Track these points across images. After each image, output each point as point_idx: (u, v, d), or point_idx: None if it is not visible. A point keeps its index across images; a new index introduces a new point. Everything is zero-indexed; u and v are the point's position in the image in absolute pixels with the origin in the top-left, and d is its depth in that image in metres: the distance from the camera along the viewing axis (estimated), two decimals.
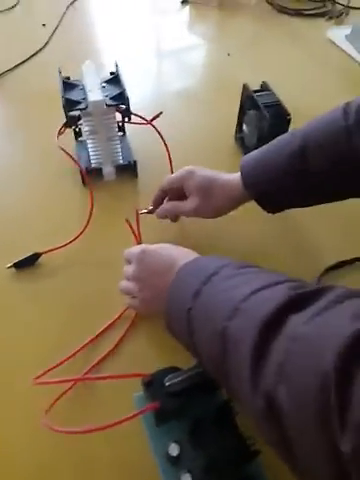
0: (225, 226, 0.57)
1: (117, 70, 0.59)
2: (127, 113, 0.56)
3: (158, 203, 0.55)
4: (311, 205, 0.48)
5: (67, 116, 0.55)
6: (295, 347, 0.25)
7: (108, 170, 0.63)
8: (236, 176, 0.49)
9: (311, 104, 0.70)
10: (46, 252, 0.52)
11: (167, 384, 0.36)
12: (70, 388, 0.40)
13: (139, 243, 0.53)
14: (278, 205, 0.49)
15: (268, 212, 0.50)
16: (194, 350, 0.34)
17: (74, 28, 1.07)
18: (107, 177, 0.64)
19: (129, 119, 0.57)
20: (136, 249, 0.45)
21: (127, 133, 0.70)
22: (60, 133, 0.59)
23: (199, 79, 0.93)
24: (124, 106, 0.56)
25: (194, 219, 0.54)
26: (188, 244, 0.44)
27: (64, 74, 0.59)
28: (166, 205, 0.54)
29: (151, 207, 0.55)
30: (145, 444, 0.37)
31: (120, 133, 0.68)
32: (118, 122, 0.60)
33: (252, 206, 0.49)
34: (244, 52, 0.99)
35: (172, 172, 0.61)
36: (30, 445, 0.38)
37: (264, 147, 0.48)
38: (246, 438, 0.35)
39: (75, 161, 0.56)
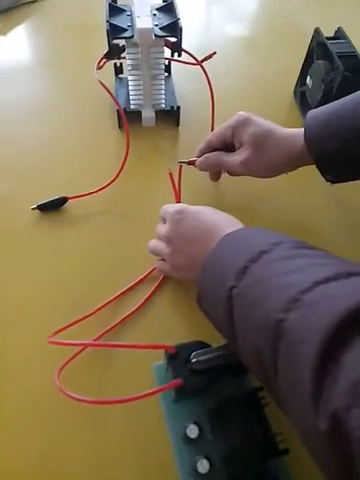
0: (268, 195, 0.50)
1: None
2: (178, 48, 0.49)
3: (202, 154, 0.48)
4: None
5: (110, 44, 0.48)
6: None
7: (148, 114, 0.57)
8: (299, 131, 0.42)
9: None
10: (73, 197, 0.48)
11: (193, 361, 0.32)
12: (82, 350, 0.37)
13: (178, 201, 0.48)
14: (343, 172, 0.42)
15: (328, 181, 0.43)
16: (231, 334, 0.29)
17: None
18: (146, 122, 0.57)
19: (179, 55, 0.50)
20: (173, 207, 0.39)
21: (172, 75, 0.62)
22: (99, 67, 0.52)
23: (258, 23, 0.83)
24: (175, 39, 0.48)
25: (236, 183, 0.48)
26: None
27: None
28: (210, 154, 0.46)
29: (194, 158, 0.48)
30: (160, 419, 0.34)
31: (165, 73, 0.61)
32: (165, 59, 0.53)
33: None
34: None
35: (213, 124, 0.55)
36: (40, 408, 0.35)
37: (337, 101, 0.41)
38: (275, 433, 0.31)
39: (113, 98, 0.49)
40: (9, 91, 0.63)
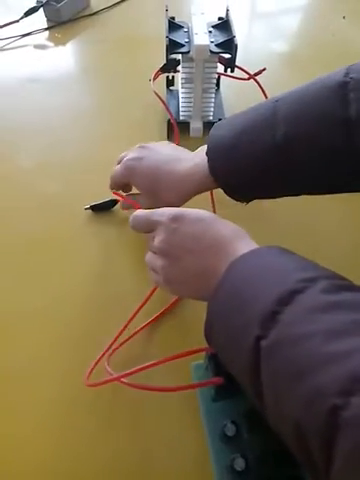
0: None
1: (227, 15, 0.54)
2: (232, 64, 0.51)
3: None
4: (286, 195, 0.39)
5: (167, 58, 0.51)
6: None
7: (196, 125, 0.59)
8: (191, 166, 0.40)
9: None
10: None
11: None
12: (127, 340, 0.39)
13: None
14: (249, 197, 0.41)
15: (237, 201, 0.42)
16: (255, 389, 0.24)
17: None
18: (193, 133, 0.60)
19: (232, 70, 0.52)
20: (167, 213, 0.34)
21: (221, 88, 0.65)
22: (154, 78, 0.55)
23: (307, 42, 0.84)
24: (230, 55, 0.51)
25: None
26: None
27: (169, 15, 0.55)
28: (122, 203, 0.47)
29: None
30: (197, 418, 0.36)
31: (215, 87, 0.63)
32: (218, 74, 0.56)
33: None
34: None
35: None
36: (82, 401, 0.37)
37: (236, 125, 0.38)
38: None
39: (167, 108, 0.52)
40: (65, 97, 0.67)
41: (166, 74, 0.62)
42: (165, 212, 0.35)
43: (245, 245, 0.31)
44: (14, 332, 0.41)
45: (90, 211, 0.50)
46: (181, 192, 0.41)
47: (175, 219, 0.33)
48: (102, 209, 0.50)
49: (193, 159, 0.41)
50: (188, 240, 0.33)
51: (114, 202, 0.50)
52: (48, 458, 0.34)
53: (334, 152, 0.33)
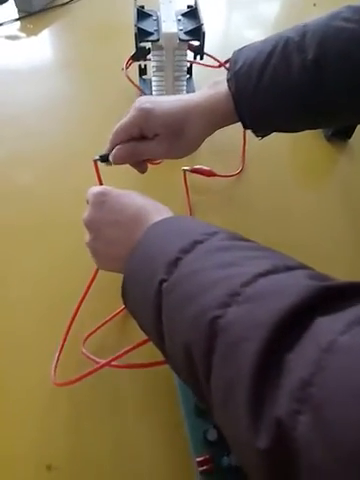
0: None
1: (196, 3, 0.54)
2: (200, 51, 0.52)
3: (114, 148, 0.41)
4: (308, 128, 0.41)
5: (137, 47, 0.52)
6: (332, 363, 0.17)
7: None
8: (216, 97, 0.39)
9: None
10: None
11: None
12: (110, 320, 0.40)
13: None
14: (273, 127, 0.41)
15: (257, 136, 0.42)
16: (158, 333, 0.26)
17: None
18: None
19: (201, 58, 0.53)
20: (96, 189, 0.36)
21: (193, 76, 0.65)
22: (126, 67, 0.56)
23: (279, 29, 0.85)
24: (198, 42, 0.51)
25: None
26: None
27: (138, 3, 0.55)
28: (124, 145, 0.40)
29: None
30: (173, 392, 0.37)
31: (187, 75, 0.64)
32: (188, 62, 0.56)
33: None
34: (332, 2, 0.89)
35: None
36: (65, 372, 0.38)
37: (259, 49, 0.38)
38: None
39: (141, 90, 0.53)
40: (38, 88, 0.67)
41: (138, 63, 0.63)
42: (93, 189, 0.36)
43: (160, 217, 0.32)
44: None
45: (71, 194, 0.49)
46: (212, 127, 0.40)
47: (102, 194, 0.35)
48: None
49: (214, 92, 0.39)
50: (113, 213, 0.34)
51: None
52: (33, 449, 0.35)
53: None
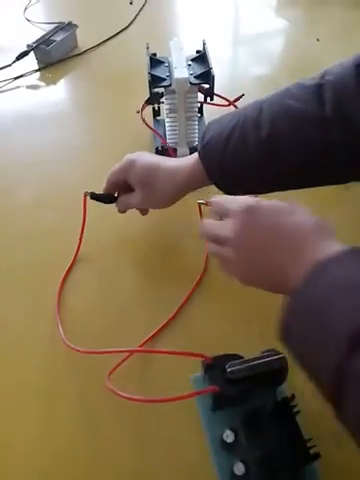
0: None
1: (204, 48, 0.58)
2: (210, 93, 0.55)
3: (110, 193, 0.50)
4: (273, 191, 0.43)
5: (151, 92, 0.55)
6: None
7: (183, 150, 0.62)
8: (185, 162, 0.45)
9: None
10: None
11: (229, 370, 0.35)
12: (126, 358, 0.41)
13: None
14: (240, 192, 0.40)
15: (225, 193, 0.44)
16: (332, 397, 0.24)
17: (160, 7, 1.07)
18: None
19: (211, 99, 0.56)
20: (239, 203, 0.34)
21: (205, 115, 0.69)
22: (142, 110, 0.59)
23: (283, 65, 0.89)
24: (208, 85, 0.54)
25: None
26: None
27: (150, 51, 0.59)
28: (119, 201, 0.49)
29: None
30: (198, 428, 0.37)
31: (198, 114, 0.67)
32: (199, 102, 0.59)
33: None
34: (334, 38, 0.93)
35: None
36: (84, 399, 0.40)
37: (225, 125, 0.41)
38: (306, 439, 0.33)
39: (157, 133, 0.57)
40: (58, 133, 0.71)
41: (152, 106, 0.66)
42: (240, 201, 0.34)
43: (326, 245, 0.29)
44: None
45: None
46: (175, 186, 0.45)
47: (249, 212, 0.33)
48: (100, 200, 0.50)
49: (186, 159, 0.45)
50: (264, 234, 0.32)
51: (114, 198, 0.50)
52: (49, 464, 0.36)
53: (313, 147, 0.37)
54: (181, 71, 0.54)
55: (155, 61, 0.58)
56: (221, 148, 0.41)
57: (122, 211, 0.50)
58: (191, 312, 0.46)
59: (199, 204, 0.54)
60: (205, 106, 0.68)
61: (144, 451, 0.37)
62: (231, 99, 0.60)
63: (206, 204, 0.54)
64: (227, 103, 0.60)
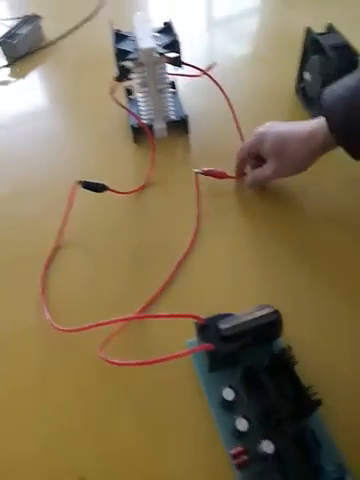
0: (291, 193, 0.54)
1: (169, 20, 0.57)
2: (178, 62, 0.54)
3: (241, 173, 0.54)
4: None
5: (118, 66, 0.54)
6: None
7: (159, 127, 0.61)
8: (313, 125, 0.45)
9: None
10: (111, 190, 0.51)
11: (221, 327, 0.35)
12: (118, 330, 0.40)
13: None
14: None
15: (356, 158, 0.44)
16: None
17: None
18: (158, 134, 0.62)
19: (180, 66, 0.55)
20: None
21: (179, 90, 0.68)
22: (112, 90, 0.58)
23: (254, 34, 0.88)
24: (176, 54, 0.53)
25: None
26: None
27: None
28: (248, 177, 0.52)
29: (207, 168, 0.53)
30: (199, 390, 0.37)
31: (172, 89, 0.66)
32: (170, 74, 0.58)
33: None
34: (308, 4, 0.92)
35: (237, 124, 0.59)
36: (80, 379, 0.39)
37: (346, 83, 0.42)
38: (306, 387, 0.33)
39: (129, 111, 0.56)
40: (35, 125, 0.70)
41: (124, 86, 0.65)
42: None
43: None
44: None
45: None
46: (311, 150, 0.46)
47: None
48: (93, 188, 0.50)
49: (312, 124, 0.46)
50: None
51: (105, 187, 0.50)
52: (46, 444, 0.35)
53: None
54: (146, 41, 0.53)
55: (120, 36, 0.57)
56: (346, 108, 0.41)
57: (253, 187, 0.53)
58: (184, 279, 0.46)
59: (196, 173, 0.54)
60: (179, 80, 0.67)
61: (145, 420, 0.36)
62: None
63: (203, 173, 0.54)
64: (200, 72, 0.59)
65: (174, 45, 0.53)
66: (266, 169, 0.49)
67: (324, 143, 0.45)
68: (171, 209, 0.53)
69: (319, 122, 0.45)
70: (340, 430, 0.33)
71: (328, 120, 0.43)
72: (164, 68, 0.56)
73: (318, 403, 0.32)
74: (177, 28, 0.56)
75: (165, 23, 0.58)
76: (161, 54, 0.53)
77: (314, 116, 0.60)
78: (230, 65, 0.77)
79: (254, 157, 0.51)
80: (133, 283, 0.46)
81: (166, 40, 0.55)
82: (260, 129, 0.49)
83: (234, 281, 0.45)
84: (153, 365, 0.33)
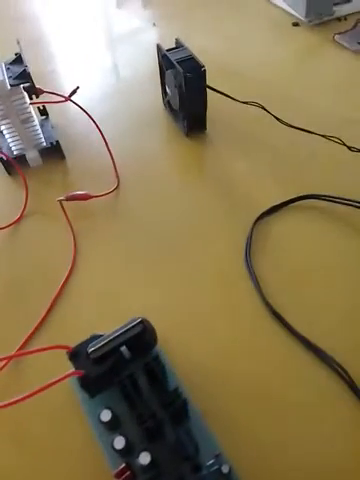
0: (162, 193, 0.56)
1: (20, 49, 0.57)
2: (31, 90, 0.54)
3: None
4: None
5: None
6: None
7: (32, 156, 0.61)
8: None
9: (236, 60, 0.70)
10: None
11: (90, 351, 0.35)
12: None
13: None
14: None
15: None
16: None
17: None
18: (32, 163, 0.61)
19: (37, 96, 0.55)
20: None
21: (51, 114, 0.67)
22: None
23: (120, 52, 0.91)
24: (28, 83, 0.53)
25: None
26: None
27: None
28: None
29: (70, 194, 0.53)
30: (81, 415, 0.37)
31: (43, 116, 0.66)
32: (31, 103, 0.58)
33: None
34: (171, 21, 0.96)
35: (106, 142, 0.60)
36: None
37: None
38: (174, 390, 0.34)
39: None
40: None
41: None
42: None
43: None
44: None
45: None
46: None
47: None
48: None
49: None
50: None
51: None
52: None
53: None
54: None
55: None
56: None
57: None
58: (67, 305, 0.45)
59: (60, 201, 0.54)
60: (50, 107, 0.66)
61: (27, 453, 0.35)
62: (67, 95, 0.59)
63: (66, 199, 0.54)
64: (64, 99, 0.59)
65: (24, 75, 0.53)
66: None
67: None
68: (48, 238, 0.52)
69: None
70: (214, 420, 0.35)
71: None
72: (23, 98, 0.56)
73: (183, 403, 0.33)
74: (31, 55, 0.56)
75: (16, 54, 0.57)
76: (14, 85, 0.53)
77: (180, 127, 0.63)
78: (98, 86, 0.78)
79: None
80: (11, 320, 0.44)
81: (18, 71, 0.54)
82: None
83: (118, 296, 0.46)
84: (34, 397, 0.32)
